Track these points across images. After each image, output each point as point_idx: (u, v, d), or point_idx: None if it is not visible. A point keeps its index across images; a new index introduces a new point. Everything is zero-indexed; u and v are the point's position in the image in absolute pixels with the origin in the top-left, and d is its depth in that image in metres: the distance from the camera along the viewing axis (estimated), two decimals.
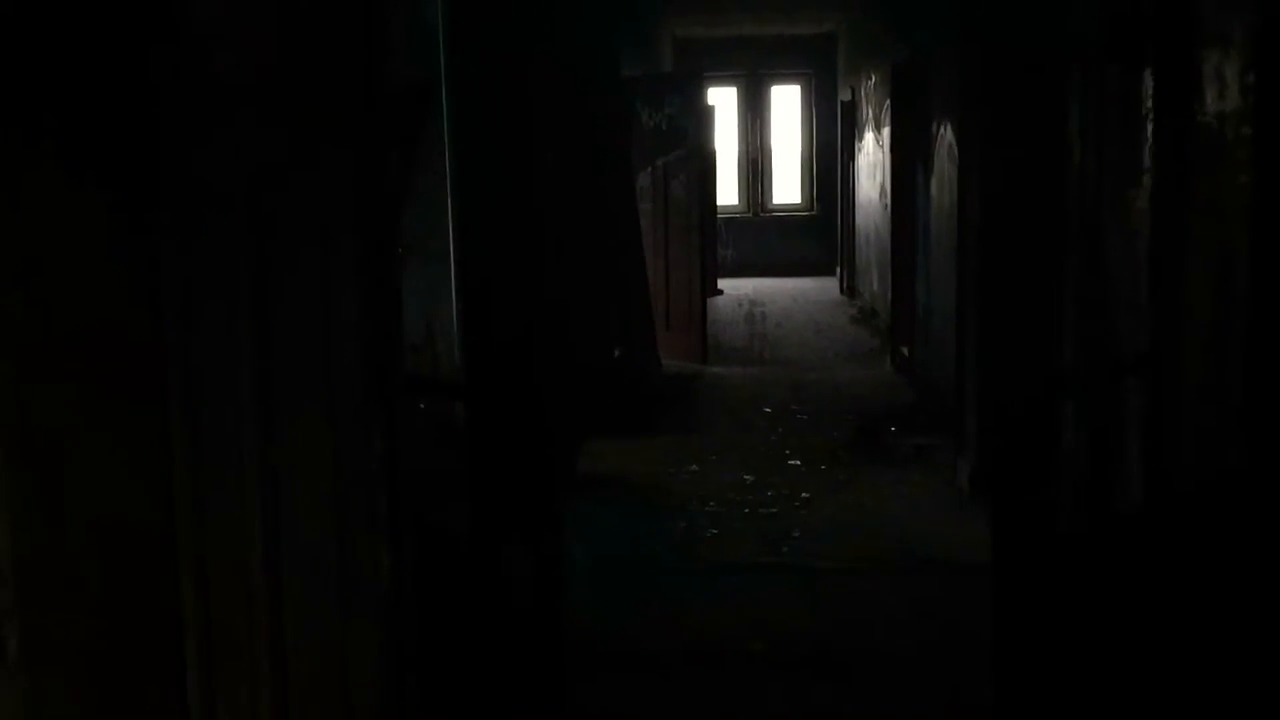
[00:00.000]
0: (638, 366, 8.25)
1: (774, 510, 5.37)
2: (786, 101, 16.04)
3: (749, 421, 7.19)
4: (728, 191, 15.67)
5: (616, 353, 8.40)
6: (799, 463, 6.15)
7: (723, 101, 15.60)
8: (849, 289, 13.48)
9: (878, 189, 10.79)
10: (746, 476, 5.88)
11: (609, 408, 7.53)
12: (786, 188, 16.14)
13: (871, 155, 11.28)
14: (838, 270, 14.38)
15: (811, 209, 15.95)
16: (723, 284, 14.38)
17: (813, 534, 5.03)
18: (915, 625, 4.02)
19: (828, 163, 15.44)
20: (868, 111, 11.58)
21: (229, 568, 1.67)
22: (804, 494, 5.56)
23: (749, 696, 3.55)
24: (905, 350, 8.73)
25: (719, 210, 14.54)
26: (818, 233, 15.60)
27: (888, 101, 9.90)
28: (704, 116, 10.76)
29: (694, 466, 6.10)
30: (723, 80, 15.68)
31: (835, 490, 5.63)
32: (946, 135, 6.98)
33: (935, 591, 4.34)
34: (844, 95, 13.84)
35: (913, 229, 8.54)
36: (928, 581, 4.44)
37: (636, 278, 8.52)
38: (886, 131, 9.95)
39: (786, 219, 15.96)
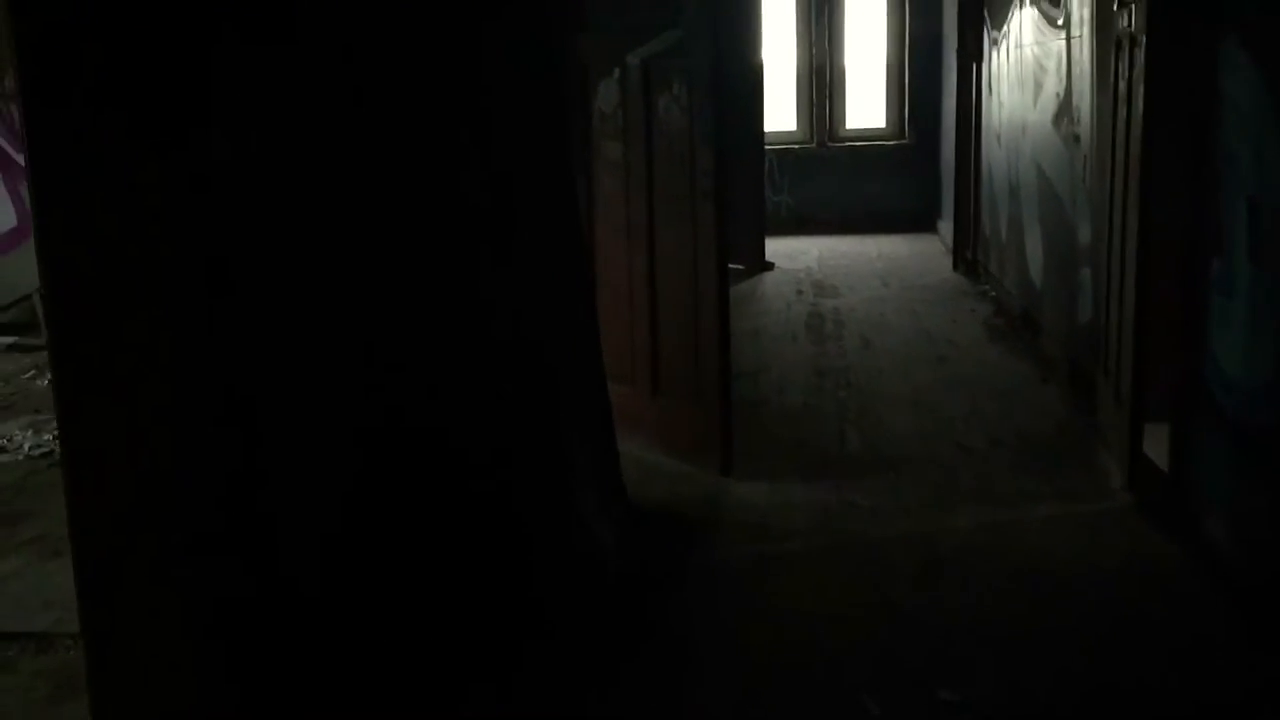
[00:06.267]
0: (573, 528, 3.61)
1: None
2: None
3: None
4: (781, 112, 10.81)
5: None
6: None
7: None
8: (968, 263, 8.69)
9: (1050, 104, 5.97)
10: None
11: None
12: (866, 107, 11.23)
13: (1031, 48, 6.44)
14: (946, 229, 9.55)
15: (902, 136, 11.08)
16: (772, 248, 9.56)
17: None
18: None
19: (927, 69, 10.53)
20: None
21: None
22: None
23: None
24: (1164, 459, 3.99)
25: (768, 140, 9.73)
26: (911, 171, 10.83)
27: None
28: None
29: None
30: None
31: None
32: None
33: None
34: None
35: (1207, 184, 3.76)
36: None
37: (577, 303, 3.85)
38: None
39: (866, 151, 11.09)
